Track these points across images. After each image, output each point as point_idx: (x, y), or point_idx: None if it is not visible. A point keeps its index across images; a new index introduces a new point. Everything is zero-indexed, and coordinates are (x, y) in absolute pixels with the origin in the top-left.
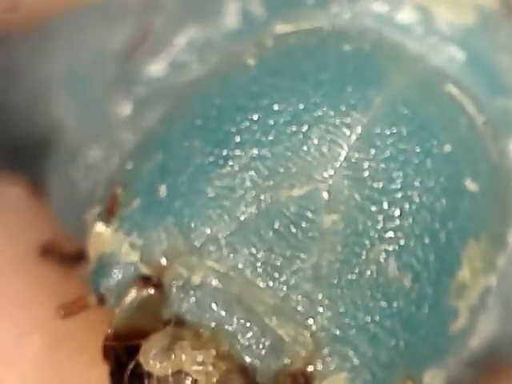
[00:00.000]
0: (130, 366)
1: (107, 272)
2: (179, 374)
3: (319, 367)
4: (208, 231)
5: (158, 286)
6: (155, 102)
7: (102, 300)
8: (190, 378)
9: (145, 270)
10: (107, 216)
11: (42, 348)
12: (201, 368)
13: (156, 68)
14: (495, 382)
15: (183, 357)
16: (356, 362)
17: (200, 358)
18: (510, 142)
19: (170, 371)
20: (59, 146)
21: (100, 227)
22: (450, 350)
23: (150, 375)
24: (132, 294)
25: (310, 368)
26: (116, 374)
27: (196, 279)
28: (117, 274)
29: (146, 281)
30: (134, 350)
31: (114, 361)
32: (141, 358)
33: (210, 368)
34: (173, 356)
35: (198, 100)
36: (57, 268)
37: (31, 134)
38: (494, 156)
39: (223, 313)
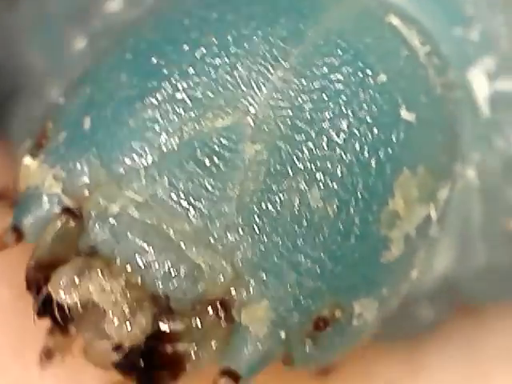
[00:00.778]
0: (41, 297)
1: (30, 205)
2: (89, 304)
3: (239, 295)
4: (129, 162)
5: (78, 217)
6: (108, 37)
7: (19, 236)
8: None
9: (67, 202)
10: (36, 150)
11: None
12: (108, 297)
13: (113, 3)
14: (463, 323)
15: (90, 286)
16: (278, 290)
17: (108, 287)
18: (467, 73)
19: (78, 302)
20: (26, 87)
21: (28, 160)
22: (384, 280)
23: (60, 306)
24: (53, 226)
25: (229, 297)
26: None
27: (114, 209)
28: (39, 207)
29: (67, 212)
30: None
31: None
32: (50, 288)
33: (118, 297)
34: (80, 286)
35: (131, 34)
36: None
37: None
38: (438, 87)
39: (138, 242)
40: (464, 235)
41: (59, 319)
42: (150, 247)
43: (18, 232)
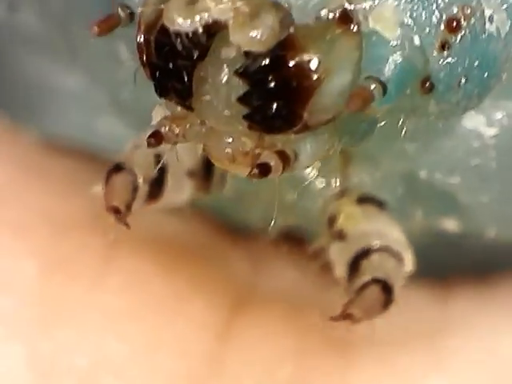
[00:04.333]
0: (156, 32)
1: None
2: (210, 29)
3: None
4: None
5: None
6: None
7: (130, 12)
8: (222, 25)
9: None
10: None
11: (37, 274)
12: (228, 5)
13: None
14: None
15: (208, 2)
16: None
17: None
18: None
19: (198, 23)
20: None
21: None
22: None
23: (180, 38)
24: None
25: (352, 3)
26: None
27: None
28: None
29: None
30: None
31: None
32: (165, 20)
33: (239, 3)
34: (197, 5)
35: None
36: (55, 193)
37: None
38: None
39: None
40: None
41: (181, 57)
42: None
43: (129, 8)
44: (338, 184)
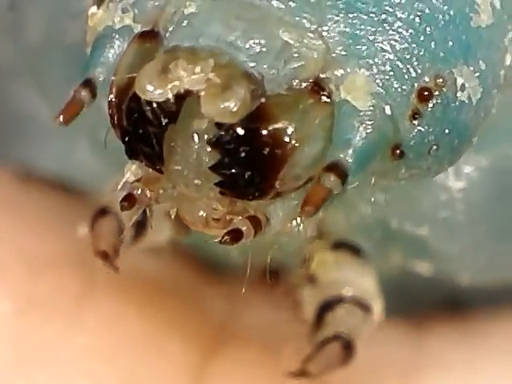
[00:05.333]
0: (126, 102)
1: (101, 47)
2: (180, 98)
3: (334, 69)
4: None
5: (154, 34)
6: None
7: (93, 90)
8: (193, 94)
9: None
10: (100, 1)
11: (12, 314)
12: (200, 77)
13: None
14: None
15: (180, 72)
16: (375, 58)
17: (198, 69)
18: None
19: (169, 92)
20: None
21: (93, 9)
22: (478, 46)
23: (150, 106)
24: (132, 48)
25: (325, 75)
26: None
27: (190, 9)
28: (111, 44)
29: (141, 35)
30: None
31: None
32: (136, 89)
33: (211, 74)
34: (169, 75)
35: None
36: (31, 231)
37: None
38: None
39: (221, 29)
40: None
41: (151, 126)
42: (234, 31)
43: (90, 85)
44: (315, 227)
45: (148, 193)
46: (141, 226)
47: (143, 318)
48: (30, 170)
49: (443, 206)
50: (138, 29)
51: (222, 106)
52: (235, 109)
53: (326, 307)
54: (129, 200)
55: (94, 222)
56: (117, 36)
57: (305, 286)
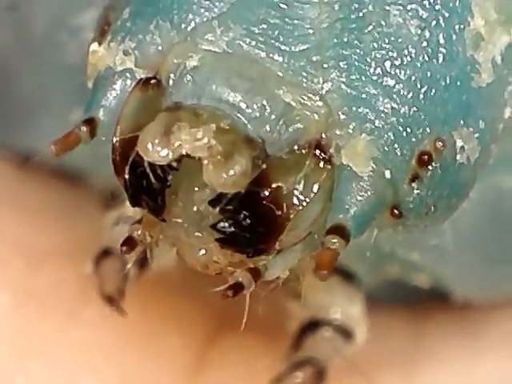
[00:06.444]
0: (130, 159)
1: (102, 89)
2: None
3: (335, 132)
4: (199, 15)
5: (157, 84)
6: None
7: (93, 129)
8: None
9: (141, 74)
10: (100, 37)
11: (11, 306)
12: (202, 143)
13: None
14: None
15: (182, 136)
16: (376, 121)
17: (200, 135)
18: None
19: (170, 155)
20: None
21: (94, 46)
22: (478, 107)
23: (152, 168)
24: (134, 96)
25: (326, 138)
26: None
27: (192, 63)
28: (112, 87)
29: (144, 82)
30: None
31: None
32: (139, 149)
33: (213, 141)
34: (171, 138)
35: None
36: (30, 224)
37: None
38: None
39: (223, 88)
40: None
41: (154, 183)
42: (236, 92)
43: (91, 125)
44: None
45: (148, 237)
46: (144, 262)
47: (142, 311)
48: (28, 160)
49: (432, 234)
50: (139, 73)
51: (223, 178)
52: (237, 180)
53: (309, 327)
54: (129, 244)
55: (97, 264)
56: (119, 79)
57: (293, 300)
